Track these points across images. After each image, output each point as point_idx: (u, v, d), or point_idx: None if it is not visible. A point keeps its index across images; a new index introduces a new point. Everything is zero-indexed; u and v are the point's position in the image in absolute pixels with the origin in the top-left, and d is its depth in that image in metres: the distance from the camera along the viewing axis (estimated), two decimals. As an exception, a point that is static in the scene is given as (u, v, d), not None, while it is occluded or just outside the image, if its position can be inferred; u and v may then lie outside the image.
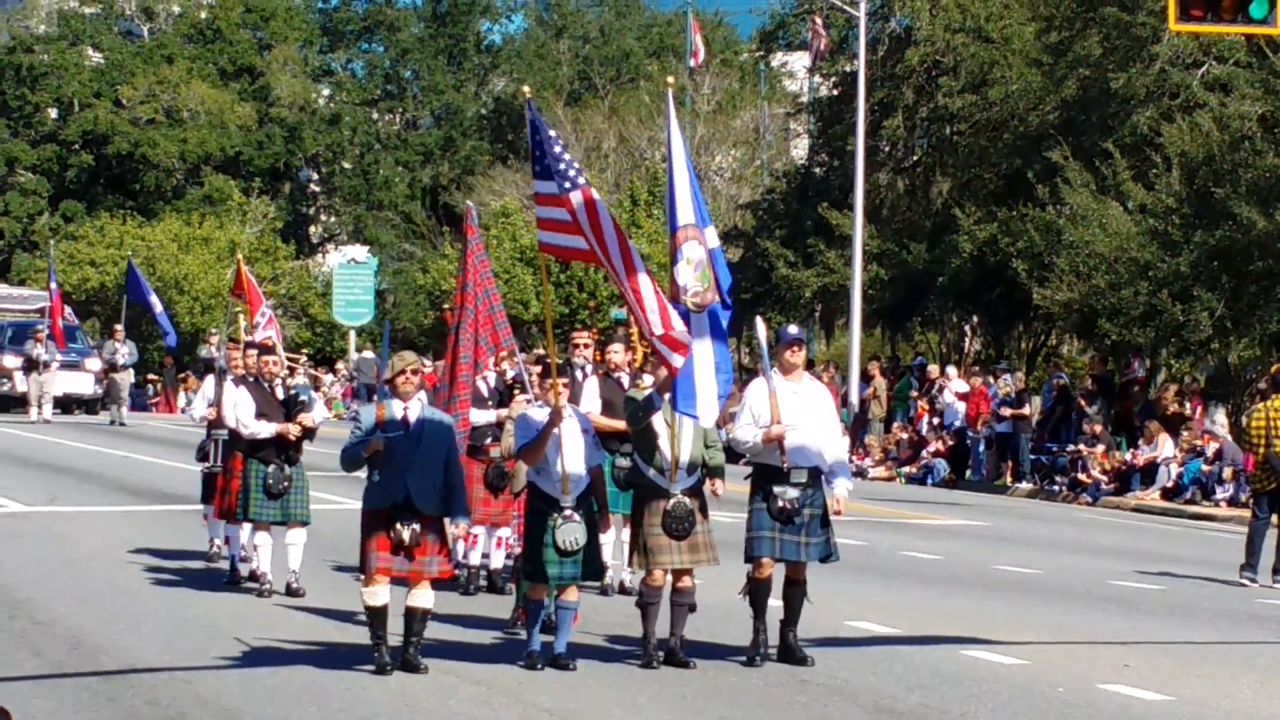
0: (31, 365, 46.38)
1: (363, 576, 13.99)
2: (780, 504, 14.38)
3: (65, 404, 49.52)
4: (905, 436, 41.07)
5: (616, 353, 17.72)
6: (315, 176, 79.72)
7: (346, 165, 77.68)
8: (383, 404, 14.01)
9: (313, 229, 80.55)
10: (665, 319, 13.68)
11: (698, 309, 14.03)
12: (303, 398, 18.17)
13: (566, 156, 14.05)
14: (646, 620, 14.37)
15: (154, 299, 40.39)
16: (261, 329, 21.49)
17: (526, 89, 15.32)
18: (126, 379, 47.52)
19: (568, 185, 13.93)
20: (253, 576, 18.46)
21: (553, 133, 14.28)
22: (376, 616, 13.82)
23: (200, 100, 72.83)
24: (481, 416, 18.18)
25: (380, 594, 13.80)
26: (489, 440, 18.05)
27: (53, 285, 47.55)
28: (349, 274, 68.38)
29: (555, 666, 13.94)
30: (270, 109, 75.14)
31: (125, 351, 47.47)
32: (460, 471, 14.23)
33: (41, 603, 17.04)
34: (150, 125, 72.57)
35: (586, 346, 17.81)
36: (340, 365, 62.18)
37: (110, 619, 16.17)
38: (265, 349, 18.57)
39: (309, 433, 18.27)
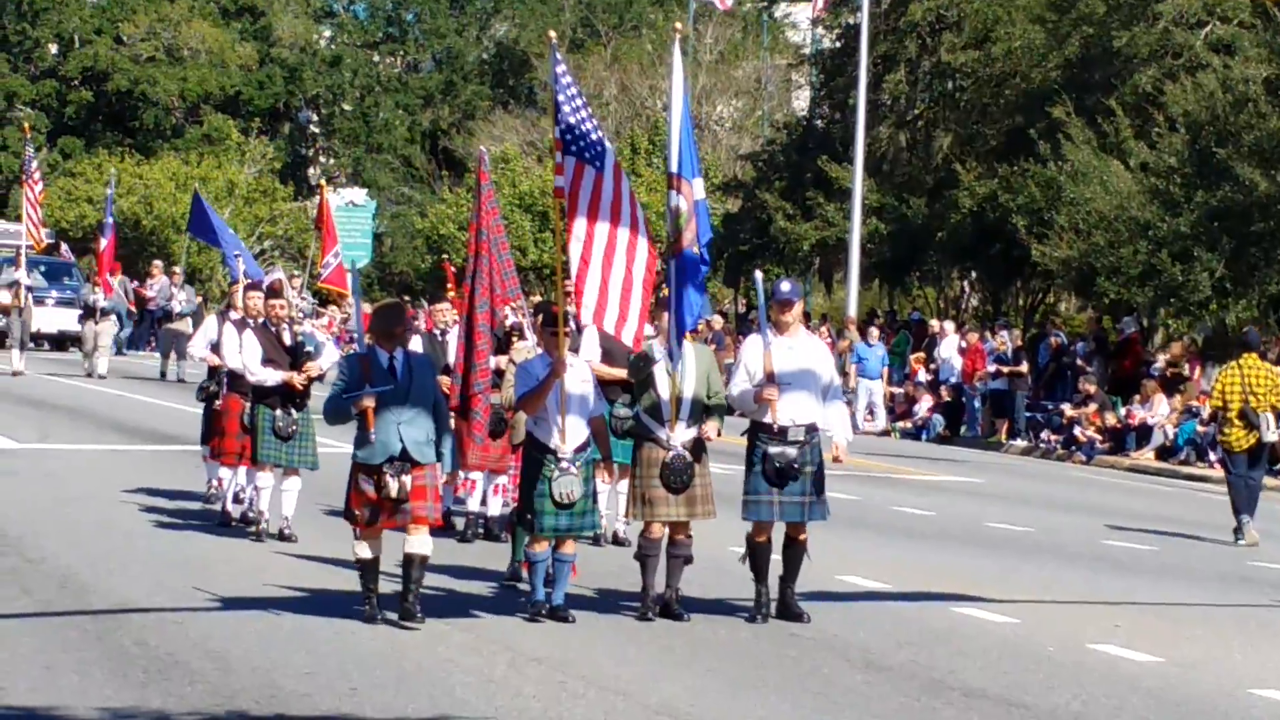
0: (89, 313, 40.37)
1: (355, 528, 13.88)
2: (779, 464, 14.27)
3: (60, 341, 49.17)
4: (901, 391, 41.05)
5: (615, 302, 17.65)
6: (315, 118, 79.48)
7: (346, 107, 77.46)
8: (366, 357, 13.72)
9: (311, 170, 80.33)
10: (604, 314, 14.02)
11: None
12: (309, 347, 18.06)
13: (589, 125, 13.86)
14: (646, 573, 14.30)
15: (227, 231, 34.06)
16: (329, 270, 21.08)
17: (553, 34, 15.23)
18: (183, 329, 40.50)
19: (599, 165, 13.80)
20: (244, 519, 18.44)
21: (573, 90, 14.01)
22: (367, 569, 13.67)
23: (201, 39, 72.57)
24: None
25: (371, 547, 13.68)
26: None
27: (108, 219, 40.45)
28: (346, 216, 68.18)
29: (554, 618, 13.88)
30: (271, 49, 74.89)
31: (183, 298, 42.28)
32: (446, 412, 14.08)
33: (32, 540, 17.01)
34: (150, 63, 72.32)
35: (579, 293, 17.57)
36: (334, 309, 62.02)
37: (101, 558, 16.15)
38: (273, 292, 18.40)
39: (320, 378, 18.19)
